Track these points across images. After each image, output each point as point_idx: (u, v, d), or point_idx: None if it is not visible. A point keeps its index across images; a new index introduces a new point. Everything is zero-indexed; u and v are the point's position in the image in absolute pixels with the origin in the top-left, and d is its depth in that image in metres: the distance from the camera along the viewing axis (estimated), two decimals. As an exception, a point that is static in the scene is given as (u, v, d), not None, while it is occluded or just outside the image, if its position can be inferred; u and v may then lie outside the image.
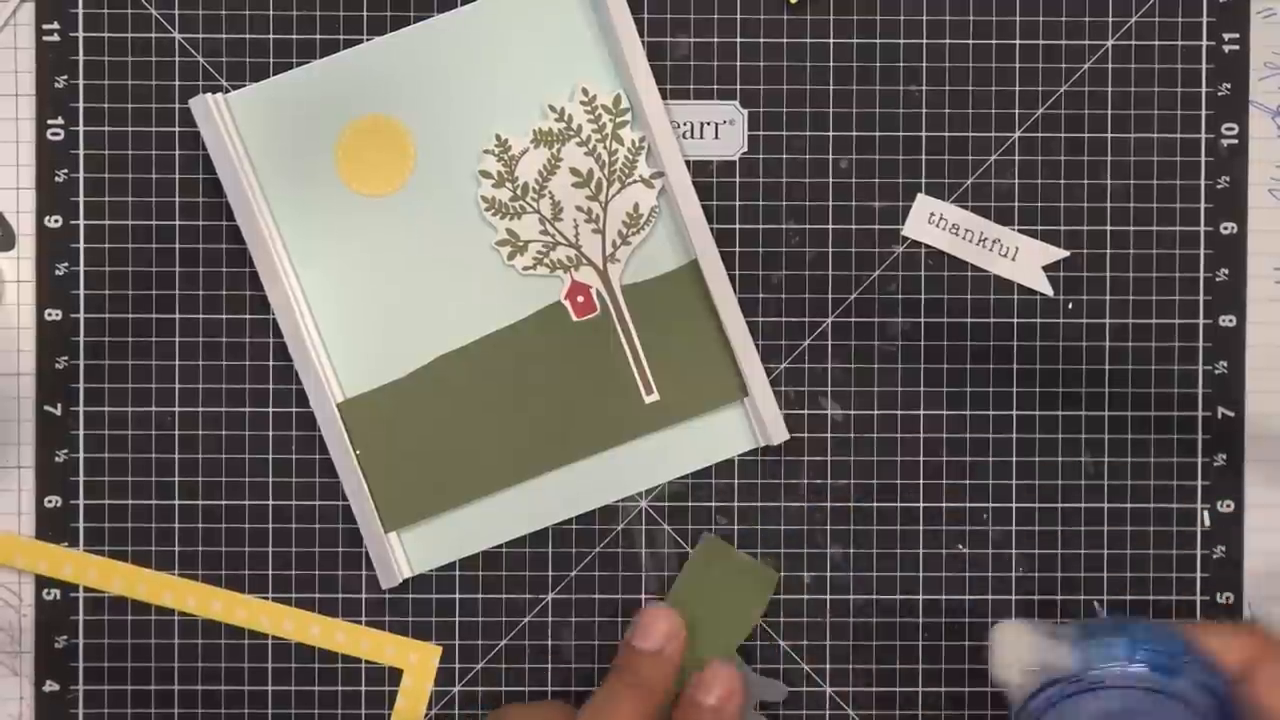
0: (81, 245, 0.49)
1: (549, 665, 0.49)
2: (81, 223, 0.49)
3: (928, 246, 0.49)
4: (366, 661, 0.49)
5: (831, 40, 0.49)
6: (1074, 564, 0.49)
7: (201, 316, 0.49)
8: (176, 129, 0.49)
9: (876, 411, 0.49)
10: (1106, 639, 0.36)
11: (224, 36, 0.49)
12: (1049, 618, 0.49)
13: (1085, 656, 0.35)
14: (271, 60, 0.49)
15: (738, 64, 0.49)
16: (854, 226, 0.49)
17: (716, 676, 0.44)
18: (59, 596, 0.49)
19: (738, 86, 0.49)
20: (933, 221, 0.49)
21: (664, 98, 0.48)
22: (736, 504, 0.49)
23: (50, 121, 0.49)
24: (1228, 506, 0.50)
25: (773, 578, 0.49)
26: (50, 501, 0.49)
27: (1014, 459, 0.49)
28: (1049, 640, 0.36)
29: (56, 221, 0.49)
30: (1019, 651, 0.36)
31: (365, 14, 0.49)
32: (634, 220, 0.48)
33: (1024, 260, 0.49)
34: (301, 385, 0.48)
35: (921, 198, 0.49)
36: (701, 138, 0.49)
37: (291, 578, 0.49)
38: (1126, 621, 0.36)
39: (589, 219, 0.48)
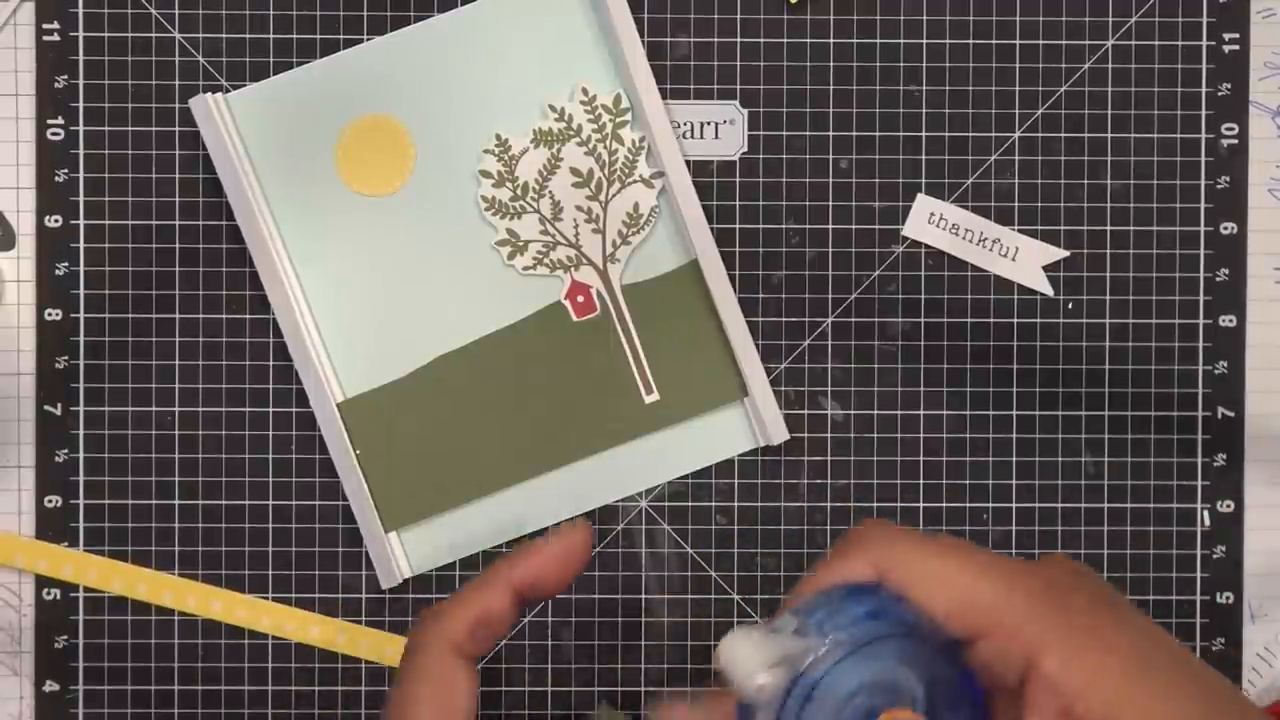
0: (81, 245, 0.49)
1: (549, 665, 0.49)
2: (81, 223, 0.49)
3: (928, 247, 0.49)
4: (366, 661, 0.49)
5: (831, 40, 0.49)
6: (1074, 564, 0.49)
7: (201, 316, 0.49)
8: (176, 129, 0.49)
9: (876, 411, 0.49)
10: (822, 610, 0.33)
11: (224, 36, 0.49)
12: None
13: (818, 631, 0.33)
14: (271, 60, 0.49)
15: (738, 64, 0.49)
16: (854, 226, 0.49)
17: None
18: (59, 596, 0.49)
19: (738, 86, 0.49)
20: (933, 221, 0.49)
21: (664, 98, 0.48)
22: (736, 504, 0.49)
23: (50, 121, 0.49)
24: (1228, 506, 0.50)
25: None
26: (50, 501, 0.49)
27: (1014, 459, 0.49)
28: (775, 634, 0.34)
29: (56, 221, 0.49)
30: (753, 655, 0.33)
31: (365, 14, 0.49)
32: (634, 220, 0.48)
33: (1024, 260, 0.49)
34: (301, 385, 0.48)
35: (921, 198, 0.49)
36: (701, 138, 0.49)
37: (291, 578, 0.49)
38: (817, 596, 0.34)
39: (589, 219, 0.48)
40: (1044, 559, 0.34)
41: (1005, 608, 0.32)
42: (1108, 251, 0.49)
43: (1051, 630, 0.31)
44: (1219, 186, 0.49)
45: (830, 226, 0.49)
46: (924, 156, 0.49)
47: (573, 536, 0.41)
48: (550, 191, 0.48)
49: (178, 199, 0.49)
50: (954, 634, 0.32)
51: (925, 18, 0.49)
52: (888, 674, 0.32)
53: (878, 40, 0.49)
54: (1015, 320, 0.49)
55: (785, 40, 0.49)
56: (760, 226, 0.49)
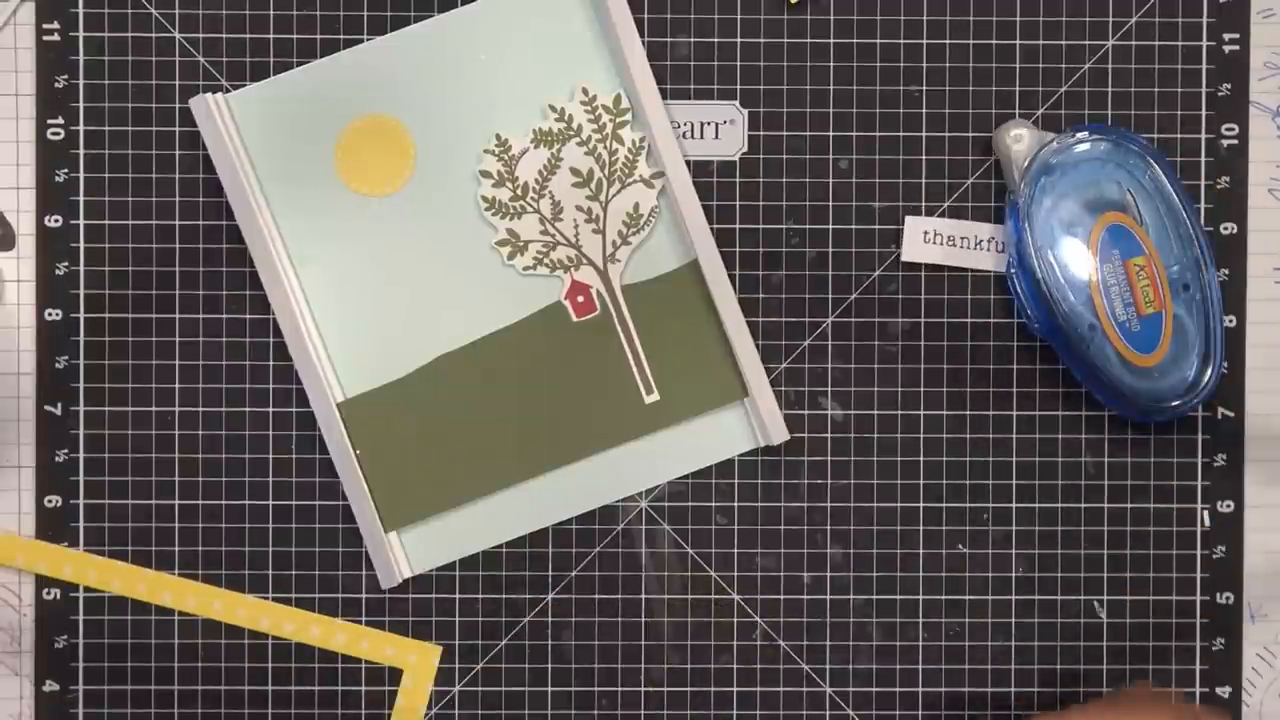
0: (81, 245, 0.49)
1: (549, 665, 0.49)
2: (81, 223, 0.49)
3: (927, 266, 0.49)
4: (366, 661, 0.49)
5: (831, 40, 0.49)
6: (1074, 564, 0.49)
7: (201, 316, 0.49)
8: (176, 129, 0.49)
9: (876, 411, 0.49)
10: None
11: (224, 36, 0.49)
12: (1049, 618, 0.49)
13: None
14: (271, 60, 0.49)
15: (738, 64, 0.49)
16: (854, 226, 0.49)
17: None
18: (59, 596, 0.49)
19: (738, 86, 0.49)
20: (927, 240, 0.49)
21: (664, 98, 0.48)
22: (736, 504, 0.49)
23: (50, 121, 0.49)
24: (1228, 506, 0.50)
25: None
26: (50, 501, 0.49)
27: (1014, 459, 0.49)
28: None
29: (56, 221, 0.49)
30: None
31: (365, 14, 0.49)
32: (634, 220, 0.48)
33: (1024, 260, 0.49)
34: (301, 385, 0.48)
35: (911, 219, 0.49)
36: (701, 138, 0.49)
37: (291, 578, 0.49)
38: None
39: (589, 219, 0.48)
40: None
41: None
42: (1108, 251, 0.49)
43: None
44: (1219, 186, 0.49)
45: (830, 226, 0.49)
46: (924, 157, 0.49)
47: None
48: (550, 191, 0.48)
49: (178, 199, 0.49)
50: None
51: (925, 18, 0.49)
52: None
53: (878, 40, 0.49)
54: (1015, 320, 0.49)
55: (785, 40, 0.49)
56: (760, 226, 0.49)
